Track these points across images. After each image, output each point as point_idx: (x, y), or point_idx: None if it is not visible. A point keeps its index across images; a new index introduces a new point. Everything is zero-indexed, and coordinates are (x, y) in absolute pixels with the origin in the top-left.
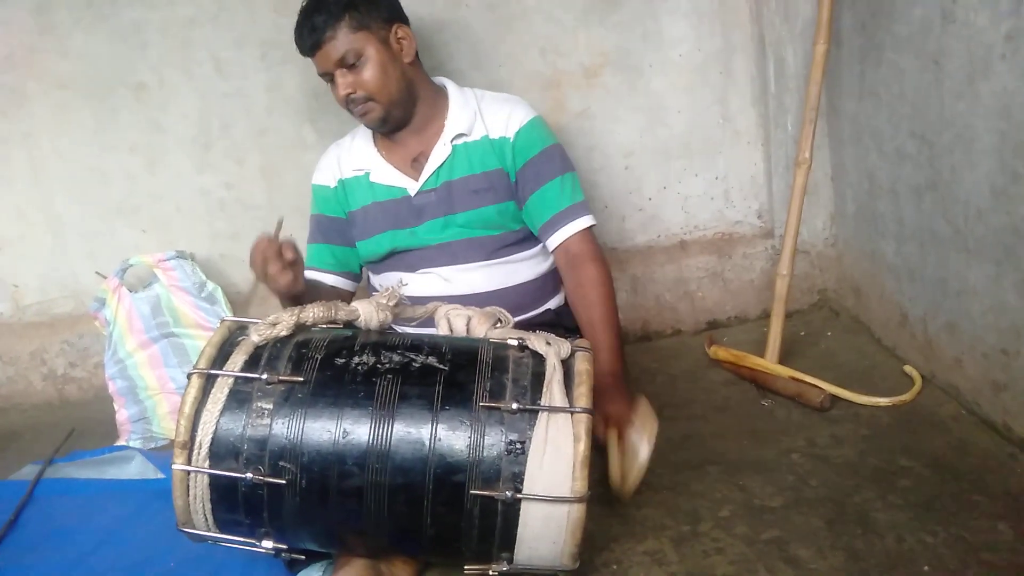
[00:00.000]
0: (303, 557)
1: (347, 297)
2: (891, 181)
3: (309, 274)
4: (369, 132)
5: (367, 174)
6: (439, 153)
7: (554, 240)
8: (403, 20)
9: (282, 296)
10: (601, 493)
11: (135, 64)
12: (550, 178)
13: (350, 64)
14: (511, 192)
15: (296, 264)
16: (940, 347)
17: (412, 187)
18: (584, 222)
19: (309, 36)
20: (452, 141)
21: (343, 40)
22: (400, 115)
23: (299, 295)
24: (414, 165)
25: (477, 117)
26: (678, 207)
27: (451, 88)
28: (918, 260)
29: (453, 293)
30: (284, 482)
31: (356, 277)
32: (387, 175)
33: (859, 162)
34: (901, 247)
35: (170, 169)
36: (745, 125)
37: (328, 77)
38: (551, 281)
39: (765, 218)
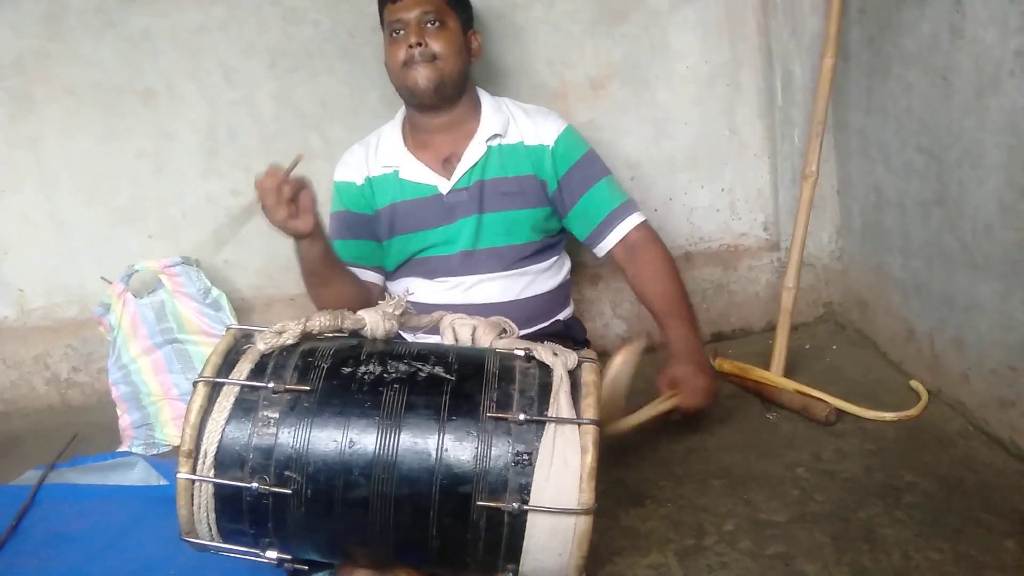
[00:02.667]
0: (306, 568)
1: (376, 291)
2: (898, 195)
3: None
4: (398, 130)
5: (396, 171)
6: (474, 152)
7: (614, 236)
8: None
9: (295, 239)
10: (605, 505)
11: (144, 70)
12: (596, 180)
13: (430, 23)
14: (541, 199)
15: (298, 203)
16: (947, 362)
17: (444, 185)
18: (640, 216)
19: None
20: (487, 141)
21: (437, 2)
22: (451, 93)
23: (312, 238)
24: (445, 165)
25: (511, 122)
26: (684, 219)
27: (483, 94)
28: (925, 275)
29: (469, 302)
30: (290, 492)
31: (384, 271)
32: (417, 172)
33: (866, 176)
34: (908, 261)
35: (177, 175)
36: (752, 138)
37: (399, 26)
38: (563, 293)
39: (771, 231)
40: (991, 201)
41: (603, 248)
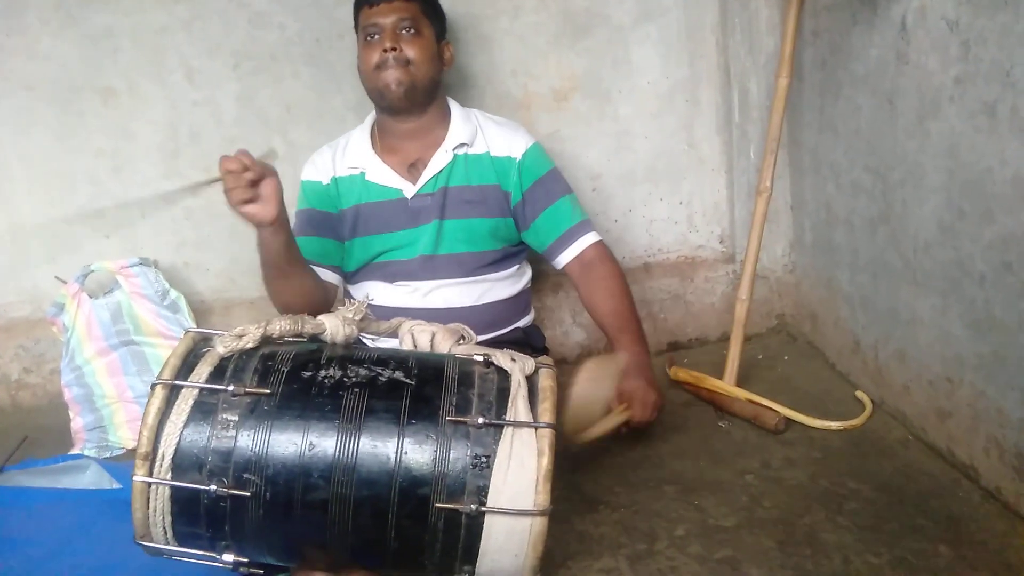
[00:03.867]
0: (261, 572)
1: (333, 292)
2: (847, 212)
3: None
4: (367, 134)
5: (362, 173)
6: (440, 159)
7: (570, 252)
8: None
9: (256, 228)
10: (559, 510)
11: (104, 69)
12: (560, 195)
13: (406, 30)
14: (504, 209)
15: (261, 190)
16: (890, 374)
17: (409, 190)
18: (596, 236)
19: None
20: (454, 150)
21: (413, 10)
22: (421, 99)
23: (275, 229)
24: (411, 170)
25: (479, 132)
26: (643, 230)
27: (453, 104)
28: (870, 289)
29: (428, 306)
30: (248, 494)
31: (344, 273)
32: (383, 175)
33: (817, 193)
34: (855, 276)
35: (136, 175)
36: (709, 153)
37: (374, 30)
38: (523, 301)
39: (727, 243)
40: (931, 221)
41: (560, 262)
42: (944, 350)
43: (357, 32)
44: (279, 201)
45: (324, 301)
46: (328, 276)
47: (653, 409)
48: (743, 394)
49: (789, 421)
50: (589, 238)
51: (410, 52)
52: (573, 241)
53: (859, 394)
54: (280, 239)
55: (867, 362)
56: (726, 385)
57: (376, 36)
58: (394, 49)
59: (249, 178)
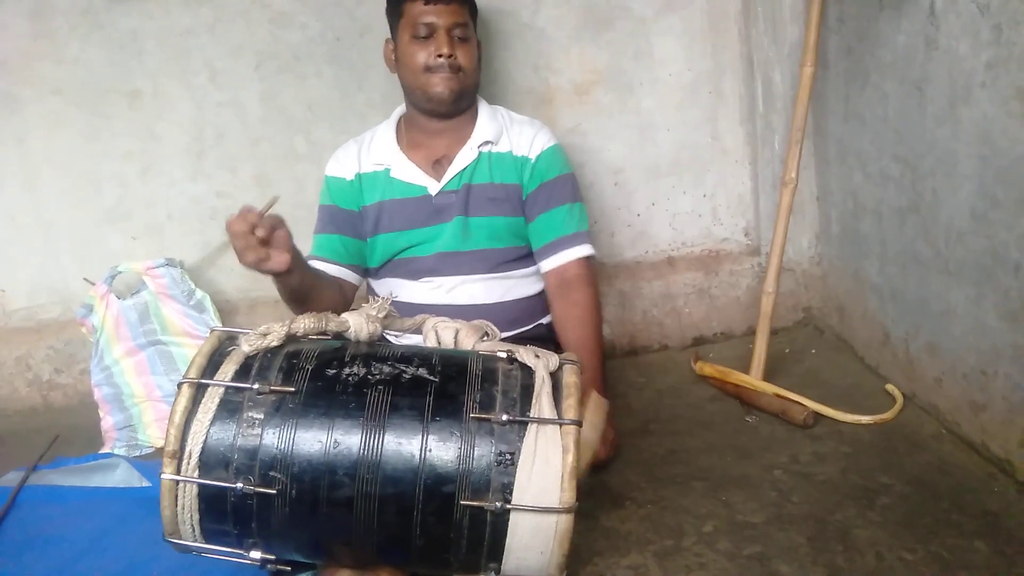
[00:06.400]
0: (288, 568)
1: (351, 291)
2: (875, 202)
3: (314, 264)
4: (392, 131)
5: (387, 170)
6: (465, 156)
7: (552, 261)
8: None
9: (274, 278)
10: (585, 507)
11: (130, 72)
12: (560, 203)
13: (459, 35)
14: (522, 208)
15: (272, 241)
16: (921, 367)
17: (433, 187)
18: (584, 250)
19: None
20: (479, 147)
21: (466, 15)
22: (464, 103)
23: (289, 274)
24: (435, 167)
25: (504, 132)
26: (666, 223)
27: (480, 102)
28: (900, 280)
29: (452, 303)
30: (274, 492)
31: (363, 271)
32: (408, 172)
33: (844, 183)
34: (884, 267)
35: (163, 176)
36: (733, 144)
37: (428, 29)
38: (546, 298)
39: (752, 236)
40: (963, 209)
41: (542, 268)
42: (978, 342)
43: (396, 22)
44: (290, 248)
45: (342, 304)
46: (345, 274)
47: (611, 448)
48: (770, 388)
49: (818, 415)
50: (575, 252)
51: (463, 59)
52: (557, 252)
53: (889, 387)
54: (295, 279)
55: (897, 355)
56: (753, 379)
57: (428, 35)
58: (451, 56)
59: (260, 236)
